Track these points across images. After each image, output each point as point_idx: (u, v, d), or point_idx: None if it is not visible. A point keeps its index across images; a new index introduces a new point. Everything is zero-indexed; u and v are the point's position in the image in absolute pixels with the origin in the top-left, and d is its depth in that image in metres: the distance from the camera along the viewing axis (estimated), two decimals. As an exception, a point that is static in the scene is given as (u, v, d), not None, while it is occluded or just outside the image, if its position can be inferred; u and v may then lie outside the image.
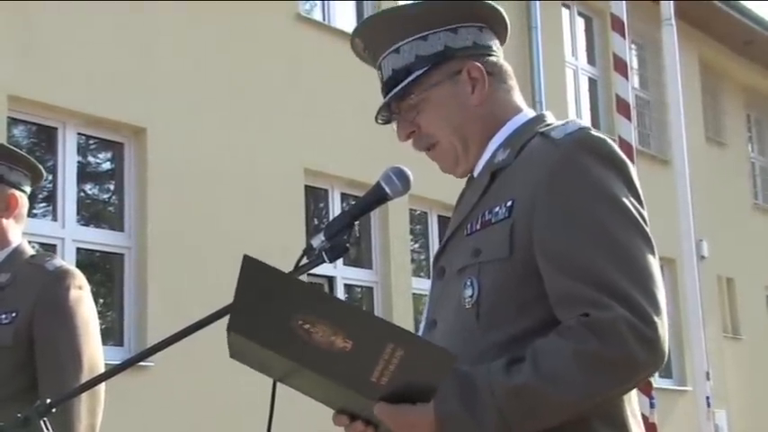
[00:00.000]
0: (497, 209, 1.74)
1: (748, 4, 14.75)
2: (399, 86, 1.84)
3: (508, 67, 1.91)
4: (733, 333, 14.14)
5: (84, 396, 2.62)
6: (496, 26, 1.91)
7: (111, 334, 7.05)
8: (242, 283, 1.56)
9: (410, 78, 1.83)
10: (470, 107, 1.84)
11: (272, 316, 1.56)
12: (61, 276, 2.77)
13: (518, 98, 1.91)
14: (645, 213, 1.71)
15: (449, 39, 1.84)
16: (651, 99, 13.37)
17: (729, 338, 13.92)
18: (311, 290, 1.59)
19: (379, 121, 1.92)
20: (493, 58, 1.88)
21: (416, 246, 9.95)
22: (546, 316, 1.66)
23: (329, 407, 1.71)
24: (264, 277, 1.56)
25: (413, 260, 9.66)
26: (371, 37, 1.89)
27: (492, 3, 1.89)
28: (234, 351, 1.66)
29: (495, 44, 1.90)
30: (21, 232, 2.92)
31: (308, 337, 1.55)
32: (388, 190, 1.84)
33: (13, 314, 2.72)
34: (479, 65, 1.84)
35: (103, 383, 2.40)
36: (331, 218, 8.81)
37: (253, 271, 1.56)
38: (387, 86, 1.87)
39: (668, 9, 6.47)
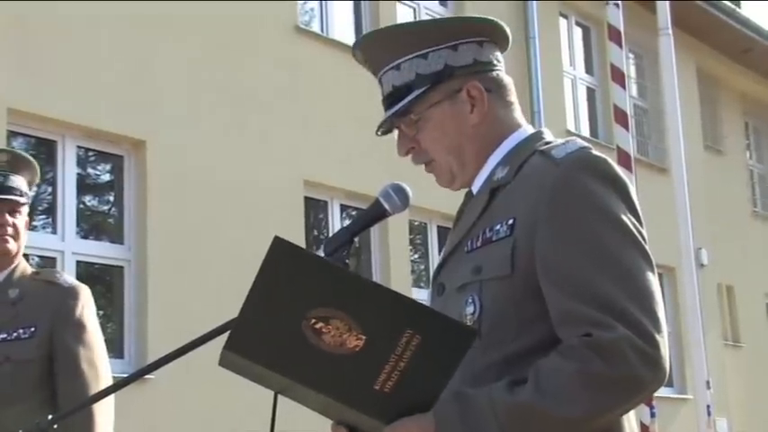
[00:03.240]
0: (498, 227, 1.75)
1: (746, 13, 14.77)
2: (400, 104, 1.84)
3: (508, 81, 1.91)
4: (733, 341, 14.13)
5: (105, 410, 2.70)
6: (497, 38, 1.91)
7: (112, 346, 7.05)
8: (267, 264, 1.55)
9: (410, 97, 1.83)
10: (469, 127, 1.84)
11: (282, 320, 1.55)
12: (76, 293, 2.87)
13: (517, 114, 1.90)
14: (644, 231, 1.72)
15: (449, 56, 1.84)
16: (649, 108, 13.39)
17: (730, 346, 13.92)
18: (339, 271, 1.61)
19: (379, 134, 1.93)
20: (493, 74, 1.87)
21: (416, 256, 9.95)
22: (547, 334, 1.67)
23: (328, 418, 1.72)
24: (292, 259, 1.56)
25: (413, 271, 9.66)
26: (372, 51, 1.89)
27: (491, 17, 1.89)
28: (226, 363, 1.65)
29: (496, 57, 1.90)
30: None
31: (317, 340, 1.55)
32: (387, 206, 1.85)
33: (32, 329, 2.80)
34: (478, 84, 1.84)
35: (113, 396, 2.45)
36: (330, 229, 8.85)
37: (280, 253, 1.55)
38: (387, 101, 1.87)
39: (665, 18, 6.49)
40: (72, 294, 2.85)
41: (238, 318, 1.57)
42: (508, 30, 1.92)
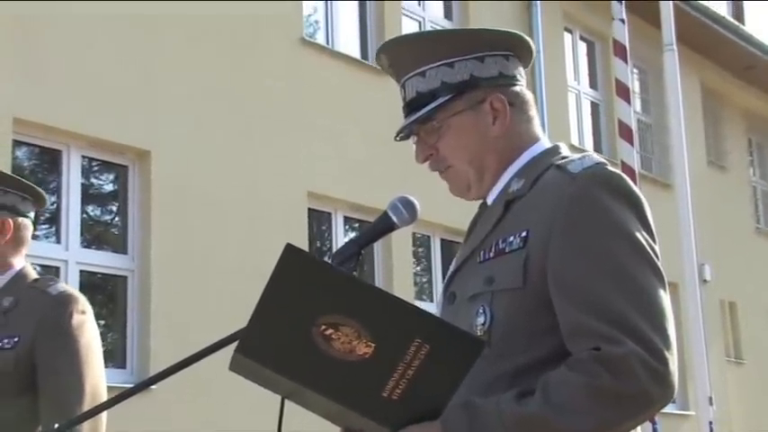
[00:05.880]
0: (512, 238, 1.75)
1: (750, 30, 14.80)
2: (423, 111, 1.85)
3: (530, 96, 1.92)
4: (735, 357, 14.10)
5: (87, 422, 2.60)
6: (522, 53, 1.92)
7: (114, 356, 7.05)
8: (279, 271, 1.56)
9: (434, 104, 1.84)
10: (490, 138, 1.85)
11: (292, 325, 1.57)
12: (64, 301, 2.75)
13: (536, 128, 1.91)
14: (657, 248, 1.73)
15: (475, 67, 1.85)
16: (653, 123, 13.40)
17: (732, 363, 13.89)
18: (350, 279, 1.61)
19: (398, 139, 1.93)
20: (516, 88, 1.89)
21: (419, 269, 9.96)
22: (557, 347, 1.68)
23: (335, 425, 1.73)
24: (303, 267, 1.57)
25: (415, 283, 9.66)
26: (398, 56, 1.91)
27: (519, 33, 1.91)
28: (236, 367, 1.66)
29: (520, 72, 1.92)
30: (23, 256, 2.90)
31: (326, 346, 1.56)
32: (395, 219, 1.86)
33: (15, 339, 2.71)
34: (502, 96, 1.85)
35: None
36: (334, 241, 8.85)
37: (292, 260, 1.56)
38: (409, 107, 1.89)
39: (670, 34, 6.51)
40: (59, 303, 2.74)
41: (250, 322, 1.58)
42: (533, 45, 1.94)
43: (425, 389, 1.59)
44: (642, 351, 1.59)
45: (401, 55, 1.90)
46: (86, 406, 2.63)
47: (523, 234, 1.74)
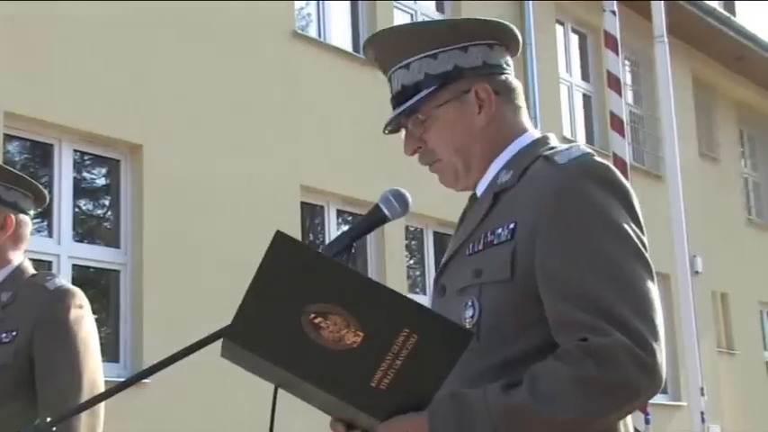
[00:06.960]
0: (500, 230, 1.75)
1: (741, 21, 14.82)
2: (408, 103, 1.85)
3: (517, 85, 1.92)
4: (727, 348, 14.15)
5: (84, 415, 2.62)
6: (507, 41, 1.92)
7: (107, 350, 7.03)
8: (268, 258, 1.57)
9: (418, 96, 1.84)
10: (476, 128, 1.85)
11: (282, 313, 1.57)
12: (61, 296, 2.78)
13: (524, 118, 1.91)
14: (645, 239, 1.73)
15: (458, 58, 1.85)
16: (645, 115, 13.42)
17: (724, 353, 13.93)
18: (340, 268, 1.62)
19: (386, 132, 1.93)
20: (502, 77, 1.89)
21: (412, 262, 9.96)
22: (545, 339, 1.68)
23: (327, 414, 1.73)
24: (293, 255, 1.57)
25: (408, 276, 9.67)
26: (383, 50, 1.91)
27: (502, 21, 1.91)
28: (226, 353, 1.66)
29: (506, 60, 1.91)
30: (22, 252, 2.93)
31: (315, 335, 1.57)
32: (387, 212, 1.86)
33: (14, 333, 2.73)
34: (487, 85, 1.85)
35: (103, 402, 2.41)
36: (326, 234, 8.86)
37: (282, 247, 1.57)
38: (396, 99, 1.89)
39: (661, 26, 6.53)
40: (56, 298, 2.76)
41: (239, 309, 1.59)
42: (519, 33, 1.93)
43: (413, 379, 1.60)
44: (629, 342, 1.59)
45: (386, 48, 1.90)
46: (84, 400, 2.63)
47: (511, 226, 1.74)
